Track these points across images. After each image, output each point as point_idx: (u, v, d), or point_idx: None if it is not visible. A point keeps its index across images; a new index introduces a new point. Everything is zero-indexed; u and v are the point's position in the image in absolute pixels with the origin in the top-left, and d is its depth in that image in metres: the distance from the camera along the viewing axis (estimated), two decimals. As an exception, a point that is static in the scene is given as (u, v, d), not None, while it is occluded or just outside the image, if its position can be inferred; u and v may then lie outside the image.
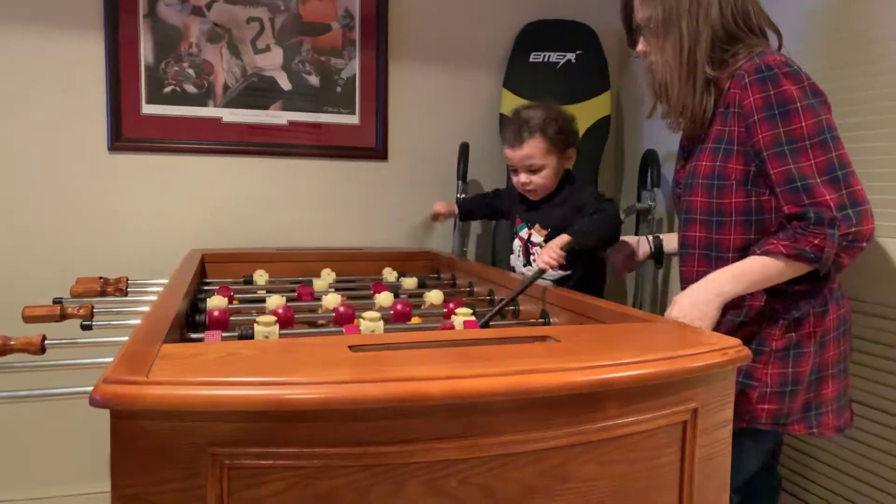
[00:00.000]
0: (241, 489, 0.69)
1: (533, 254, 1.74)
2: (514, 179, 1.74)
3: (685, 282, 1.34)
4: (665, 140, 2.06)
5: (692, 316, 1.18)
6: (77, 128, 2.05)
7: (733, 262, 1.23)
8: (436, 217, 2.16)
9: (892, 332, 1.44)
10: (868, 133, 1.48)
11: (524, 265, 1.76)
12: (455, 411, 0.74)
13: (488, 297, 1.65)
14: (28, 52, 1.99)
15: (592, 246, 1.55)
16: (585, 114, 2.27)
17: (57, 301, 1.37)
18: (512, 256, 1.82)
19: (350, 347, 0.83)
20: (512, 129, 1.70)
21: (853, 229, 1.11)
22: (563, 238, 1.47)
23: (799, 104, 1.15)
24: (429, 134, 2.39)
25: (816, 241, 1.13)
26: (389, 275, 1.97)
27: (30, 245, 2.02)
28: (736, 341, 0.95)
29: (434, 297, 1.58)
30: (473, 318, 1.29)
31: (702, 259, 1.30)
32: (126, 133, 2.09)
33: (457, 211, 2.12)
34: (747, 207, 1.23)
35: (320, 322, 1.41)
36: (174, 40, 2.11)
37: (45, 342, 1.06)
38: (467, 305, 1.43)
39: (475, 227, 2.48)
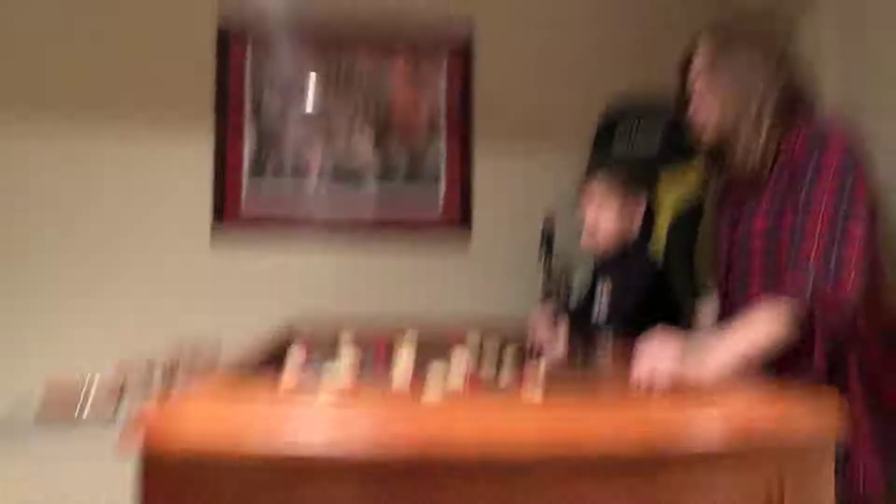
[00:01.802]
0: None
1: None
2: None
3: None
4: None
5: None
6: (184, 217, 2.25)
7: None
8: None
9: None
10: None
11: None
12: (484, 469, 0.68)
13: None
14: (144, 154, 2.25)
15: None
16: (675, 185, 2.16)
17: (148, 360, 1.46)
18: None
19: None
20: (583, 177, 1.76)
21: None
22: None
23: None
24: (514, 212, 2.41)
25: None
26: (474, 340, 1.93)
27: (136, 323, 2.19)
28: (832, 400, 0.83)
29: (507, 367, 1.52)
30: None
31: None
32: (228, 222, 2.27)
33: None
34: None
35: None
36: (274, 133, 2.29)
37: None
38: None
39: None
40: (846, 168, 1.17)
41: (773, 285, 1.17)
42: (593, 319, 1.63)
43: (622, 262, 1.65)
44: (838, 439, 0.81)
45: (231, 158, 2.26)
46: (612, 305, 1.61)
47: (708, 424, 0.74)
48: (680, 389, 1.00)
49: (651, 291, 1.55)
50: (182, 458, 0.66)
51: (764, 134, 1.25)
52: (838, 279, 1.11)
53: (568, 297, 2.02)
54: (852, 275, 1.12)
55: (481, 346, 1.86)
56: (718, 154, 1.35)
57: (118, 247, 2.23)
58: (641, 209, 1.67)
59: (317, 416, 0.74)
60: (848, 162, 1.17)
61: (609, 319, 1.56)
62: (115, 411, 1.16)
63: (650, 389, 1.02)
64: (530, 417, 0.74)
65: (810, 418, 0.79)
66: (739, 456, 0.75)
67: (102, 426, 1.09)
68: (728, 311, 1.32)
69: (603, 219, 1.66)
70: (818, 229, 1.15)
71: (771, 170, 1.25)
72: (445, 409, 0.82)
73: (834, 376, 1.19)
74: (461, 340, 1.94)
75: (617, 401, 0.86)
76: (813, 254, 1.14)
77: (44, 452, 1.10)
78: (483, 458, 0.68)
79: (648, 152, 2.20)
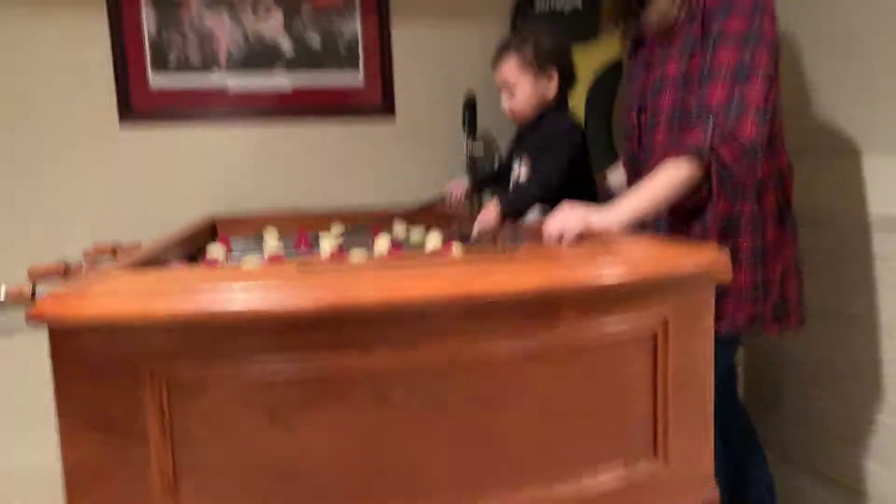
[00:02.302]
0: (182, 402, 0.70)
1: None
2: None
3: None
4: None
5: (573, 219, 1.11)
6: (86, 104, 2.11)
7: None
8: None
9: None
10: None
11: None
12: (393, 319, 0.73)
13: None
14: (34, 35, 2.06)
15: (525, 209, 1.54)
16: (595, 55, 2.18)
17: (62, 261, 1.42)
18: None
19: (298, 266, 0.83)
20: (494, 54, 1.70)
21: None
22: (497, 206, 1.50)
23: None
24: (436, 89, 2.36)
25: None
26: (400, 228, 1.96)
27: (46, 217, 2.11)
28: (712, 249, 0.91)
29: (433, 241, 1.56)
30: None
31: None
32: (135, 106, 2.14)
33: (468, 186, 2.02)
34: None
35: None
36: (176, 10, 2.14)
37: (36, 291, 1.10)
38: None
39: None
40: (756, 8, 1.20)
41: (679, 140, 1.21)
42: (511, 189, 1.66)
43: (540, 130, 1.65)
44: (717, 281, 0.90)
45: (130, 38, 2.10)
46: (530, 174, 1.63)
47: (601, 268, 0.80)
48: (586, 243, 1.06)
49: (570, 157, 1.56)
50: (91, 324, 0.67)
51: None
52: (739, 122, 1.15)
53: (494, 170, 2.05)
54: (754, 118, 1.15)
55: (407, 231, 1.89)
56: (635, 3, 1.37)
57: (15, 142, 2.09)
58: (556, 75, 1.65)
59: (234, 275, 0.76)
60: (759, 2, 1.20)
61: (527, 188, 1.59)
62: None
63: (560, 244, 1.08)
64: (440, 271, 0.77)
65: (693, 262, 0.87)
66: (630, 296, 0.82)
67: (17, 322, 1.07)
68: (638, 157, 1.39)
69: (518, 88, 1.65)
70: (725, 64, 1.18)
71: (686, 18, 1.28)
72: (362, 266, 0.84)
73: (727, 235, 1.29)
74: (386, 228, 1.97)
75: (524, 253, 0.91)
76: (717, 97, 1.17)
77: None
78: (391, 304, 0.72)
79: (569, 10, 2.20)
